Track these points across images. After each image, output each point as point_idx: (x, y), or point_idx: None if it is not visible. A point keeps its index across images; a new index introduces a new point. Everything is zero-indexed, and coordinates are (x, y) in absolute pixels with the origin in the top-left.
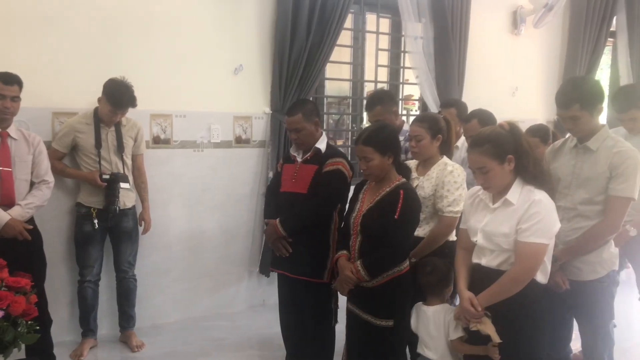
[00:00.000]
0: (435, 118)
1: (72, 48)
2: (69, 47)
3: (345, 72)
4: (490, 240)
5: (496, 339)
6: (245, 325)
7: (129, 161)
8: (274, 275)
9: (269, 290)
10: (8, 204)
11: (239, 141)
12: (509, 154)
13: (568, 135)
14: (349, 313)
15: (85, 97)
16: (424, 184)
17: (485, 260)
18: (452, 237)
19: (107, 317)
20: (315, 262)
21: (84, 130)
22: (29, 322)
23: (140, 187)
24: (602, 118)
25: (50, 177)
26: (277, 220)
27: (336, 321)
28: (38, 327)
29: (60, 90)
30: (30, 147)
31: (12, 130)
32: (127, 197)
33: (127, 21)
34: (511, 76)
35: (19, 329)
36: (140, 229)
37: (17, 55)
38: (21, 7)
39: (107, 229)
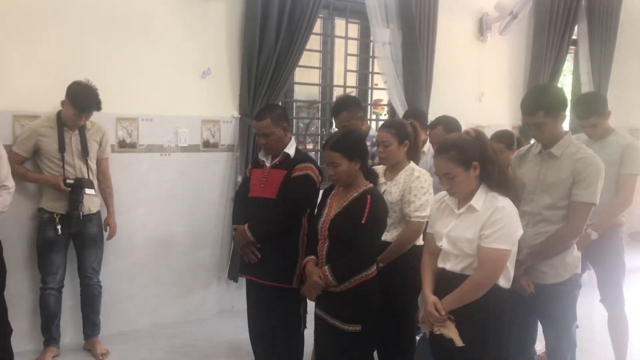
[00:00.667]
0: (403, 124)
1: (35, 49)
2: (31, 49)
3: (315, 76)
4: (454, 245)
5: (459, 342)
6: (214, 332)
7: (93, 165)
8: (243, 281)
9: (237, 296)
10: None
11: (207, 145)
12: (474, 161)
13: (533, 141)
14: (317, 318)
15: (48, 100)
16: (391, 189)
17: (450, 265)
18: (419, 241)
19: (70, 324)
20: (283, 268)
21: (47, 133)
22: None
23: (105, 192)
24: (566, 125)
25: (10, 182)
26: (246, 225)
27: (305, 326)
28: None
29: (21, 92)
30: None
31: None
32: (91, 202)
33: (93, 23)
34: (477, 82)
35: None
36: (105, 234)
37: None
38: None
39: (71, 234)
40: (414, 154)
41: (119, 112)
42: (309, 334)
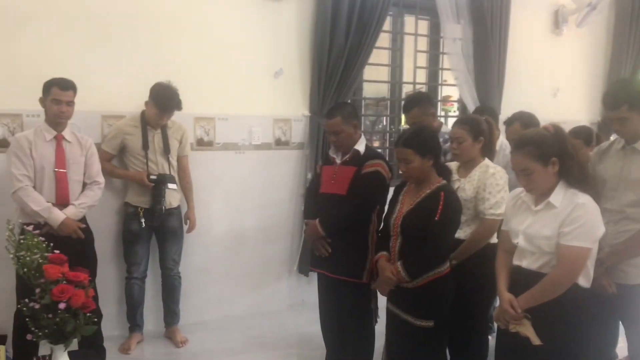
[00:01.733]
0: (477, 120)
1: (119, 53)
2: (118, 53)
3: (383, 74)
4: (531, 243)
5: (536, 341)
6: (285, 324)
7: (174, 162)
8: (313, 275)
9: (308, 290)
10: (63, 203)
11: (279, 143)
12: (552, 157)
13: (615, 136)
14: (389, 313)
15: (133, 101)
16: (465, 186)
17: (526, 263)
18: (493, 239)
19: (152, 313)
20: (354, 263)
21: (131, 132)
22: (88, 315)
23: (185, 188)
24: None
25: (101, 178)
26: (317, 220)
27: (376, 321)
28: (96, 320)
29: (109, 94)
30: (82, 149)
31: (66, 133)
32: (172, 197)
33: (172, 26)
34: (552, 77)
35: (78, 321)
36: (185, 227)
37: (70, 61)
38: (81, 15)
39: (154, 227)
40: (488, 151)
41: (197, 112)
42: (379, 328)
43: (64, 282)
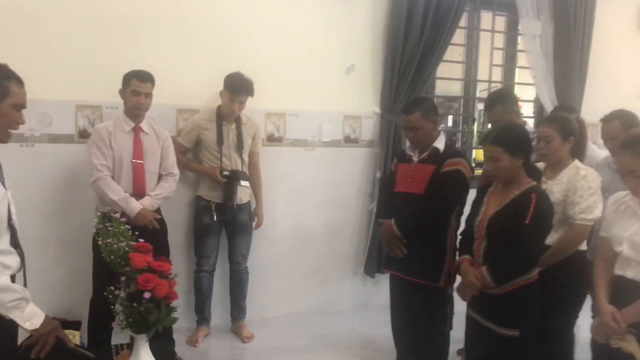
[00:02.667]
0: (567, 119)
1: (194, 49)
2: (191, 48)
3: (456, 71)
4: (638, 251)
5: None
6: (349, 325)
7: (246, 158)
8: (379, 277)
9: (373, 291)
10: (139, 194)
11: (348, 140)
12: None
13: None
14: (470, 320)
15: (206, 96)
16: (553, 189)
17: (632, 273)
18: (582, 246)
19: (219, 307)
20: (431, 265)
21: (207, 127)
22: (170, 305)
23: (255, 184)
24: None
25: (176, 170)
26: (393, 220)
27: (451, 327)
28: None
29: (184, 88)
30: (159, 141)
31: (144, 125)
32: (243, 192)
33: (246, 22)
34: (638, 78)
35: (161, 311)
36: (254, 223)
37: (148, 55)
38: (158, 11)
39: (224, 221)
40: (578, 152)
41: (269, 107)
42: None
43: (148, 271)
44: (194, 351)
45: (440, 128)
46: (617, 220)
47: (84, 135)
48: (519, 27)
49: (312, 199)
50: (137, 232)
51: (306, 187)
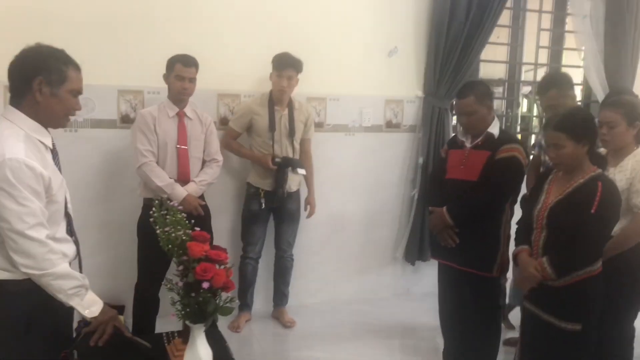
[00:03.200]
0: (633, 103)
1: (235, 33)
2: (232, 32)
3: (500, 53)
4: None
5: None
6: (389, 313)
7: (297, 146)
8: (419, 265)
9: (413, 279)
10: (184, 180)
11: (390, 125)
12: None
13: None
14: (527, 312)
15: (248, 80)
16: (615, 176)
17: None
18: None
19: (260, 293)
20: (483, 255)
21: (259, 112)
22: (228, 295)
23: (307, 172)
24: None
25: (219, 156)
26: (445, 208)
27: (503, 318)
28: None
29: (225, 73)
30: (203, 126)
31: (188, 110)
32: (293, 181)
33: (285, 7)
34: None
35: (218, 301)
36: (305, 212)
37: (189, 40)
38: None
39: (272, 209)
40: None
41: (309, 92)
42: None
43: (206, 260)
44: (237, 337)
45: None
46: None
47: (126, 120)
48: (568, 7)
49: (352, 185)
50: (193, 221)
51: (346, 173)
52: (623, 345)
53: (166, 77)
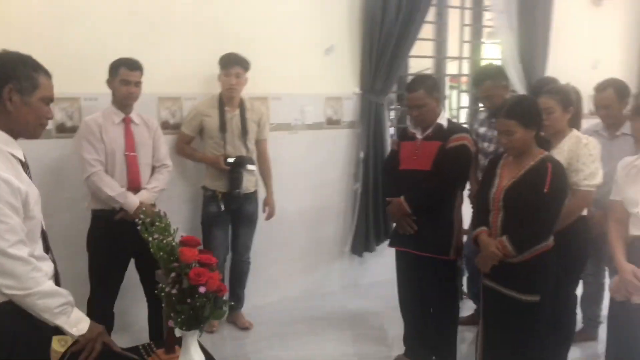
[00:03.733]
0: (567, 90)
1: (173, 34)
2: (170, 34)
3: (424, 49)
4: None
5: None
6: (341, 305)
7: (251, 146)
8: (366, 256)
9: (360, 271)
10: (134, 188)
11: (330, 122)
12: None
13: None
14: (487, 290)
15: (188, 82)
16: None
17: None
18: (584, 211)
19: None
20: (441, 240)
21: (209, 113)
22: (223, 298)
23: (264, 173)
24: None
25: (169, 161)
26: (402, 197)
27: (461, 298)
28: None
29: (164, 76)
30: (150, 131)
31: (133, 115)
32: (249, 181)
33: (225, 8)
34: (593, 48)
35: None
36: (264, 215)
37: (124, 43)
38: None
39: (231, 212)
40: (576, 122)
41: (252, 92)
42: None
43: (198, 265)
44: None
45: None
46: (630, 184)
47: (62, 129)
48: (484, 3)
49: (298, 183)
50: (177, 228)
51: (291, 171)
52: (569, 311)
53: (110, 82)
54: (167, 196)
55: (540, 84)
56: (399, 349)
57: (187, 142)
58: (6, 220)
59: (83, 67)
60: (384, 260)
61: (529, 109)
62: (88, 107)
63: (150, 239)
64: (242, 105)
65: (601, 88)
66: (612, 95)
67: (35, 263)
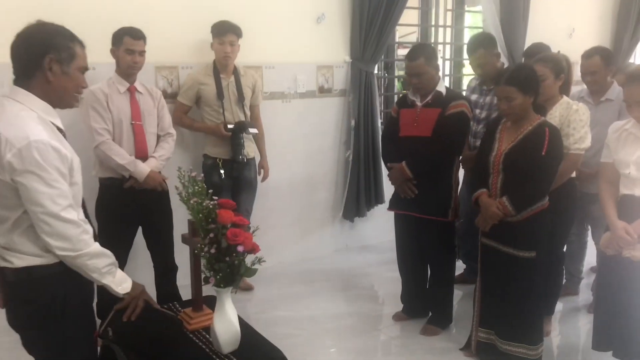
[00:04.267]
0: (559, 58)
1: (168, 5)
2: (163, 4)
3: (410, 18)
4: None
5: None
6: (335, 268)
7: (248, 111)
8: (358, 221)
9: (351, 235)
10: (142, 156)
11: (322, 91)
12: None
13: None
14: (485, 248)
15: (184, 51)
16: None
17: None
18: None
19: None
20: (440, 202)
21: (206, 82)
22: (257, 256)
23: (258, 137)
24: None
25: (173, 130)
26: (404, 163)
27: (458, 255)
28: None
29: (160, 45)
30: (154, 100)
31: (137, 84)
32: (249, 147)
33: None
34: (569, 17)
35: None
36: (259, 177)
37: (121, 9)
38: None
39: (232, 178)
40: (566, 89)
41: (246, 61)
42: None
43: (233, 226)
44: None
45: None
46: (621, 147)
47: None
48: None
49: (291, 151)
50: (211, 190)
51: (285, 139)
52: (558, 267)
53: (113, 52)
54: (168, 165)
55: (532, 50)
56: (392, 306)
57: (185, 112)
58: (57, 185)
59: (80, 36)
60: (373, 225)
61: (528, 77)
62: (86, 77)
63: (190, 202)
64: (235, 72)
65: (588, 55)
66: (599, 62)
67: (84, 225)
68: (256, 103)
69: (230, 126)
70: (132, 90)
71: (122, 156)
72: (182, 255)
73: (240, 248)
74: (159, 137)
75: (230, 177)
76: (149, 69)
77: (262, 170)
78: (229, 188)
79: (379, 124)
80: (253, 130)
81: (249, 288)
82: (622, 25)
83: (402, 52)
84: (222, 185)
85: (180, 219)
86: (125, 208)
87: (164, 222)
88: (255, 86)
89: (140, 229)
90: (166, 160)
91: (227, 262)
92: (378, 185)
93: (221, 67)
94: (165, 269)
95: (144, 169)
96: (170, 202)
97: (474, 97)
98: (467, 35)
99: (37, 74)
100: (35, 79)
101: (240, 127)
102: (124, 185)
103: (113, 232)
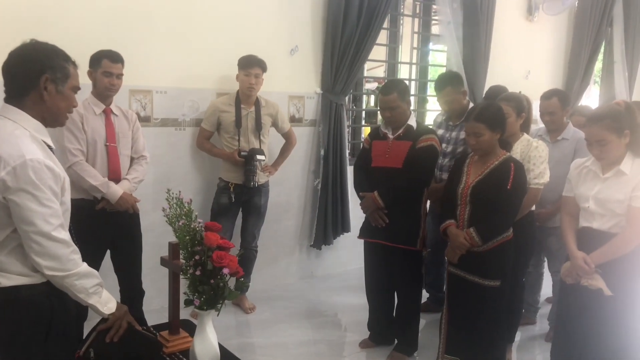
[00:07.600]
0: (520, 98)
1: (148, 28)
2: (144, 29)
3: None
4: (602, 206)
5: (607, 292)
6: (302, 296)
7: (265, 140)
8: (324, 248)
9: (316, 263)
10: (115, 178)
11: (293, 120)
12: (625, 129)
13: None
14: (452, 277)
15: (160, 75)
16: None
17: (597, 224)
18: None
19: None
20: (409, 231)
21: (226, 109)
22: (241, 279)
23: (284, 148)
24: None
25: (146, 153)
26: (375, 192)
27: (425, 284)
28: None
29: (135, 68)
30: (129, 123)
31: (113, 107)
32: (261, 175)
33: (193, 9)
34: (525, 60)
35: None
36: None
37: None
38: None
39: (241, 203)
40: (526, 126)
41: (219, 88)
42: None
43: (219, 249)
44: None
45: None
46: (581, 182)
47: None
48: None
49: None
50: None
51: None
52: (521, 294)
53: (91, 73)
54: (181, 187)
55: (492, 91)
56: (358, 333)
57: (207, 138)
58: (50, 204)
59: None
60: (338, 253)
61: (496, 114)
62: None
63: (176, 224)
64: (257, 104)
65: (547, 96)
66: (557, 103)
67: (74, 246)
68: (285, 129)
69: (243, 153)
70: (107, 112)
71: (95, 177)
72: (147, 279)
73: (225, 270)
74: (132, 159)
75: (239, 201)
76: (122, 92)
77: (270, 166)
78: (236, 212)
79: (347, 154)
80: (260, 157)
81: (251, 308)
82: (573, 69)
83: (368, 86)
84: (230, 207)
85: (148, 242)
86: (96, 230)
87: (133, 246)
88: (278, 114)
89: (108, 252)
90: (139, 183)
91: (212, 285)
92: (344, 214)
93: (244, 98)
94: (132, 293)
95: (116, 190)
96: (140, 226)
97: (440, 131)
98: (431, 73)
99: (31, 93)
100: (29, 98)
101: (253, 154)
102: (96, 206)
103: (83, 254)
